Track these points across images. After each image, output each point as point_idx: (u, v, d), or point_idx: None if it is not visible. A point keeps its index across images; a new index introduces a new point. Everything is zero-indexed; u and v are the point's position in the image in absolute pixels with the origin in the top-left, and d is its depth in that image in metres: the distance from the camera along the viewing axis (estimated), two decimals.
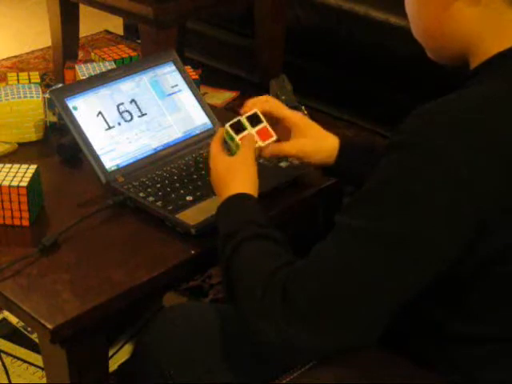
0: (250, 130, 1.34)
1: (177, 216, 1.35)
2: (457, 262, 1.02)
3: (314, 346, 1.06)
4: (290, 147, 1.39)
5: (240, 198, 1.24)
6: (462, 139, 1.00)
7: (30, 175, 1.37)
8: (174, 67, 1.63)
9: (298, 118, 1.41)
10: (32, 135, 1.64)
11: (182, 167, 1.48)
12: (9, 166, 1.40)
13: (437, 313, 1.10)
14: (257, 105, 1.38)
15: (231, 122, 1.34)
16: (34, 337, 2.02)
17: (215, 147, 1.33)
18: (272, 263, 1.10)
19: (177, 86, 1.61)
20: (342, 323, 1.04)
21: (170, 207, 1.37)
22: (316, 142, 1.41)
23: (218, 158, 1.31)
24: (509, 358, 1.09)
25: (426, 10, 1.14)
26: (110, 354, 1.95)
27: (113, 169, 1.46)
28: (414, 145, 1.01)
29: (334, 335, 1.05)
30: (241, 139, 1.32)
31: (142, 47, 2.68)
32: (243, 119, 1.35)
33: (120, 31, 3.93)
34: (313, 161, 1.41)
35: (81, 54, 3.42)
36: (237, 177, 1.28)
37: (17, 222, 1.37)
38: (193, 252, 1.31)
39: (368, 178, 1.06)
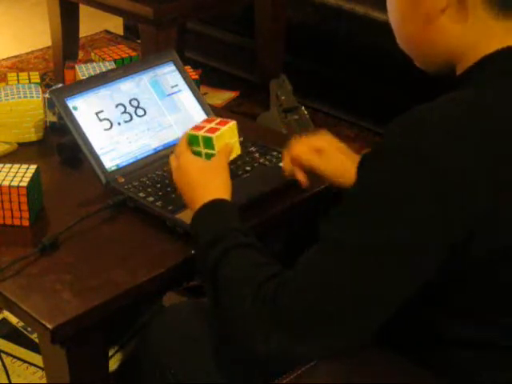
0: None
1: (177, 216, 1.35)
2: (444, 269, 1.02)
3: (302, 352, 1.07)
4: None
5: (219, 204, 1.23)
6: (442, 147, 0.99)
7: (30, 175, 1.37)
8: (173, 67, 1.63)
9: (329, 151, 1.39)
10: (32, 135, 1.64)
11: None
12: (9, 165, 1.40)
13: (433, 316, 1.09)
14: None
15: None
16: (34, 337, 2.02)
17: (184, 147, 1.32)
18: (260, 273, 1.10)
19: (177, 86, 1.61)
20: (328, 333, 1.04)
21: (170, 207, 1.37)
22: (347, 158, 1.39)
23: (191, 159, 1.30)
24: (506, 362, 1.09)
25: (410, 24, 1.13)
26: (110, 354, 1.95)
27: (113, 169, 1.46)
28: (393, 154, 1.01)
29: (321, 343, 1.06)
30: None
31: (142, 47, 2.68)
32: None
33: (120, 31, 3.93)
34: (336, 184, 1.39)
35: (81, 54, 3.42)
36: (212, 180, 1.27)
37: (17, 222, 1.37)
38: (193, 252, 1.31)
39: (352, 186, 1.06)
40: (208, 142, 1.32)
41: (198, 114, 1.61)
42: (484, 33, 1.07)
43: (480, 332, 1.08)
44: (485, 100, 1.03)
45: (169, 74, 1.62)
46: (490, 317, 1.07)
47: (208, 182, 1.27)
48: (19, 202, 1.35)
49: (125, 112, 1.52)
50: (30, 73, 1.80)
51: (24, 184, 1.35)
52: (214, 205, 1.23)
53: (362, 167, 1.06)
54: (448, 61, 1.12)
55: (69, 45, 3.02)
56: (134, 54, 1.87)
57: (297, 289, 1.05)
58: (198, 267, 1.21)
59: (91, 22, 3.67)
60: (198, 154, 1.33)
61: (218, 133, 1.32)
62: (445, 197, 0.99)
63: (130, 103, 1.54)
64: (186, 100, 1.61)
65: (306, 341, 1.05)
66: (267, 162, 1.51)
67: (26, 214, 1.36)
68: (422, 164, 0.99)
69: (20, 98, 1.62)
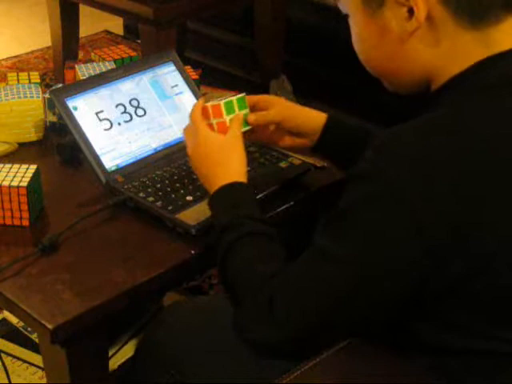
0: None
1: (177, 216, 1.35)
2: (419, 286, 1.03)
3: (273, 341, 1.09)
4: (274, 113, 1.39)
5: (236, 188, 1.24)
6: (412, 171, 1.00)
7: (30, 175, 1.37)
8: (173, 67, 1.63)
9: (272, 97, 1.42)
10: (32, 135, 1.64)
11: (182, 167, 1.48)
12: (9, 165, 1.40)
13: (422, 327, 1.09)
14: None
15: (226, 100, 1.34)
16: (34, 337, 2.02)
17: (200, 121, 1.31)
18: (264, 269, 1.13)
19: (177, 86, 1.61)
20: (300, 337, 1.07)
21: (170, 207, 1.37)
22: (298, 107, 1.43)
23: (210, 136, 1.30)
24: (494, 369, 1.08)
25: (377, 49, 1.13)
26: (110, 354, 1.95)
27: (113, 169, 1.46)
28: (369, 176, 1.03)
29: (290, 343, 1.08)
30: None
31: (142, 47, 2.68)
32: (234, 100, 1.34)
33: (120, 31, 3.94)
34: (300, 126, 1.40)
35: (81, 54, 3.43)
36: (229, 158, 1.27)
37: (17, 222, 1.37)
38: (193, 252, 1.31)
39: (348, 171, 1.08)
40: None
41: None
42: (457, 48, 1.07)
43: (469, 341, 1.07)
44: (445, 123, 1.03)
45: (169, 74, 1.62)
46: (479, 328, 1.07)
47: (225, 161, 1.27)
48: (19, 202, 1.35)
49: (125, 112, 1.52)
50: (30, 73, 1.80)
51: (24, 184, 1.35)
52: (231, 188, 1.24)
53: (357, 176, 1.06)
54: (422, 81, 1.12)
55: (69, 45, 3.03)
56: (133, 54, 1.87)
57: (286, 290, 1.08)
58: (215, 248, 1.22)
59: (91, 22, 3.67)
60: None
61: (226, 99, 1.33)
62: (408, 225, 0.99)
63: (130, 103, 1.54)
64: (186, 100, 1.61)
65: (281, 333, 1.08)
66: (267, 162, 1.51)
67: (25, 214, 1.36)
68: (385, 193, 1.01)
69: (20, 98, 1.62)
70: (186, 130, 1.35)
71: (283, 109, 1.40)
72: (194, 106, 1.35)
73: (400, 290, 1.03)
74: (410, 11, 1.06)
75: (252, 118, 1.35)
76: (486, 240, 1.00)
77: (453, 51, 1.07)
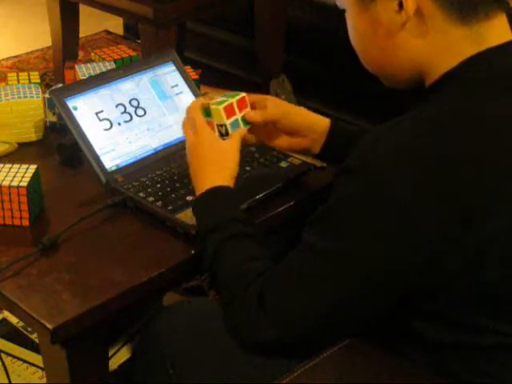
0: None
1: (177, 216, 1.35)
2: (410, 281, 1.03)
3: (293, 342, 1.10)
4: (271, 111, 1.38)
5: (222, 191, 1.26)
6: (401, 167, 1.00)
7: (30, 175, 1.37)
8: (173, 67, 1.63)
9: (268, 96, 1.42)
10: (32, 135, 1.64)
11: (182, 167, 1.48)
12: (9, 166, 1.40)
13: (415, 323, 1.09)
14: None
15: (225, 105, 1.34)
16: (34, 337, 2.02)
17: (202, 119, 1.33)
18: (249, 272, 1.14)
19: (177, 86, 1.61)
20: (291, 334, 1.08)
21: (170, 207, 1.37)
22: (295, 106, 1.43)
23: (212, 136, 1.31)
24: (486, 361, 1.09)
25: (372, 44, 1.14)
26: (110, 354, 1.95)
27: (113, 169, 1.46)
28: (359, 172, 1.03)
29: (283, 343, 1.09)
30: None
31: (142, 47, 2.68)
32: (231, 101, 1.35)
33: (120, 31, 3.94)
34: (298, 124, 1.40)
35: (81, 54, 3.43)
36: (225, 163, 1.29)
37: (17, 222, 1.37)
38: (193, 252, 1.31)
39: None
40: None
41: None
42: (448, 43, 1.07)
43: (470, 337, 1.07)
44: (438, 120, 1.03)
45: (169, 74, 1.62)
46: (480, 323, 1.06)
47: (220, 163, 1.29)
48: (19, 202, 1.35)
49: (125, 112, 1.52)
50: (30, 73, 1.80)
51: (24, 184, 1.35)
52: (217, 192, 1.25)
53: (345, 175, 1.06)
54: (414, 75, 1.12)
55: (69, 45, 3.02)
56: (133, 54, 1.87)
57: (275, 288, 1.09)
58: (200, 252, 1.23)
59: (91, 22, 3.67)
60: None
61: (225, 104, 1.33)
62: (397, 221, 1.00)
63: (130, 103, 1.54)
64: (186, 100, 1.61)
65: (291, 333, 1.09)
66: (267, 162, 1.51)
67: (25, 214, 1.36)
68: (373, 188, 1.01)
69: (20, 98, 1.62)
70: (184, 124, 1.36)
71: (280, 106, 1.40)
72: (193, 102, 1.38)
73: (390, 285, 1.03)
74: (400, 5, 1.07)
75: (250, 113, 1.35)
76: (476, 237, 1.00)
77: (443, 46, 1.07)
